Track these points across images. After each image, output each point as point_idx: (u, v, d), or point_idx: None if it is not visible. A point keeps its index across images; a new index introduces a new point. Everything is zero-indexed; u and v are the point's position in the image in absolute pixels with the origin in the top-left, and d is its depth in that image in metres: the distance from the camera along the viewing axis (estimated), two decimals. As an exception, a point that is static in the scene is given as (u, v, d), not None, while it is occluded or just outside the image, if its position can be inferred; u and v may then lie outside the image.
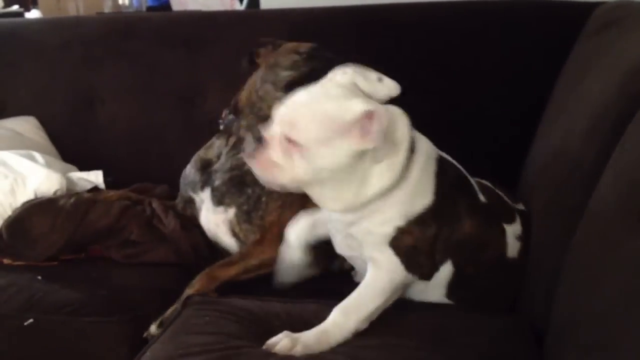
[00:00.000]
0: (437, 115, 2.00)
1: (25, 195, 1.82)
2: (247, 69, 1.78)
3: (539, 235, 1.37)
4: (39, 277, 1.63)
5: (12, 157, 1.92)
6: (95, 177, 1.95)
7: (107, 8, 3.99)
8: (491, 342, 1.19)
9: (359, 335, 1.22)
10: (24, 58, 2.33)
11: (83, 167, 2.13)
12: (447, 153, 1.42)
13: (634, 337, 0.82)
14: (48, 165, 1.94)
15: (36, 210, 1.73)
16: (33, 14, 3.72)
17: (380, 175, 1.25)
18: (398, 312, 1.30)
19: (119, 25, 2.33)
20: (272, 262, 1.57)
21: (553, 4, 2.03)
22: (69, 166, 2.10)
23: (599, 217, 1.08)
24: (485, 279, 1.40)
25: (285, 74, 1.65)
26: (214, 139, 1.83)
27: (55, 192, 1.83)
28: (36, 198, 1.81)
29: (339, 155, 1.20)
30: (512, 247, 1.42)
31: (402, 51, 2.00)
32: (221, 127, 1.80)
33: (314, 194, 1.30)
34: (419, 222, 1.29)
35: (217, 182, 1.74)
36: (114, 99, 2.26)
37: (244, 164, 1.64)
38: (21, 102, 2.32)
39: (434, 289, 1.38)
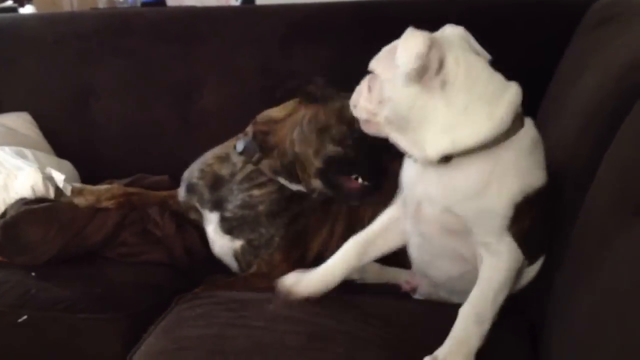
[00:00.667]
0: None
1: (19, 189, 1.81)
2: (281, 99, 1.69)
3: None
4: (33, 274, 1.63)
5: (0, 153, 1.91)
6: (58, 178, 1.85)
7: (102, 3, 3.98)
8: (489, 340, 1.18)
9: (352, 334, 1.22)
10: (19, 54, 2.33)
11: (78, 163, 2.13)
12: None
13: (629, 332, 0.82)
14: (38, 161, 1.93)
15: (30, 218, 1.70)
16: (27, 10, 3.70)
17: (473, 123, 1.11)
18: (392, 311, 1.30)
19: (114, 21, 2.32)
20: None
21: (549, 0, 2.03)
22: (63, 162, 2.09)
23: (595, 212, 1.08)
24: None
25: (331, 149, 1.55)
26: (230, 153, 1.72)
27: (32, 188, 1.80)
28: (32, 201, 1.78)
29: (404, 84, 1.12)
30: None
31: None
32: (238, 149, 1.69)
33: (407, 138, 1.17)
34: (537, 200, 1.17)
35: (227, 214, 1.69)
36: (109, 95, 2.26)
37: (257, 203, 1.65)
38: (16, 98, 2.32)
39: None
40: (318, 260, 1.42)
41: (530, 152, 1.18)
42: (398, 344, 1.18)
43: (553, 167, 1.23)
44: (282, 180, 1.65)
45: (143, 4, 3.87)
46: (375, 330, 1.21)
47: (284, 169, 1.63)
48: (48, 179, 1.84)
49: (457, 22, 2.00)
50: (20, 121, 2.24)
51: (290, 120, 1.64)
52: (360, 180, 1.55)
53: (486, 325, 1.14)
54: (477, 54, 1.21)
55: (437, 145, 1.13)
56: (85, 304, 1.49)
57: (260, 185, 1.66)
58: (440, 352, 1.10)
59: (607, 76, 1.24)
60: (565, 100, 1.45)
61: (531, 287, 1.30)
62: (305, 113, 1.61)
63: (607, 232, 0.99)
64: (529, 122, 1.21)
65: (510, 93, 1.18)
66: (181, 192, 1.81)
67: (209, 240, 1.75)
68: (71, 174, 2.05)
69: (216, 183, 1.71)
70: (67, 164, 2.09)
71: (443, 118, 1.12)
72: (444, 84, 1.12)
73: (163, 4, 3.64)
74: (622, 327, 0.84)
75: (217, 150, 1.77)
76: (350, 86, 1.98)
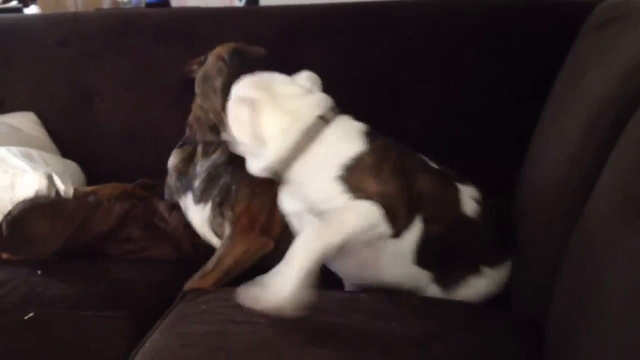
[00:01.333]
0: (436, 110, 2.01)
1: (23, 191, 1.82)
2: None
3: (537, 232, 1.37)
4: (39, 272, 1.64)
5: (7, 154, 1.91)
6: (60, 186, 1.86)
7: (106, 4, 3.99)
8: (490, 339, 1.19)
9: (354, 330, 1.22)
10: (23, 54, 2.33)
11: (81, 163, 2.14)
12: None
13: (633, 336, 0.82)
14: (45, 162, 1.94)
15: (36, 211, 1.73)
16: (32, 10, 3.71)
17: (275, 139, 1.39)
18: (395, 307, 1.30)
19: (118, 21, 2.32)
20: (247, 256, 1.59)
21: (553, 1, 2.03)
22: (69, 162, 2.10)
23: (599, 214, 1.08)
24: (449, 239, 1.41)
25: (217, 82, 1.70)
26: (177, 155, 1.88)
27: (36, 192, 1.81)
28: (37, 197, 1.80)
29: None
30: (470, 207, 1.45)
31: (403, 50, 2.00)
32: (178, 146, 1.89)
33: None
34: (364, 164, 1.36)
35: (196, 184, 1.75)
36: (113, 95, 2.26)
37: (220, 163, 1.71)
38: (19, 98, 2.33)
39: (403, 255, 1.39)
40: (285, 238, 1.50)
41: (336, 139, 1.40)
42: (403, 340, 1.18)
43: (556, 168, 1.24)
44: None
45: (147, 5, 3.88)
46: (380, 327, 1.21)
47: (212, 132, 1.74)
48: (52, 184, 1.85)
49: (461, 24, 2.03)
50: (25, 121, 2.24)
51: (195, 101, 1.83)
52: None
53: (310, 255, 1.22)
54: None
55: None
56: (90, 301, 1.50)
57: (216, 150, 1.76)
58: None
59: (612, 78, 1.24)
60: (569, 102, 1.45)
61: (534, 288, 1.30)
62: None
63: (611, 235, 0.99)
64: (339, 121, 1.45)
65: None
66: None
67: (195, 228, 1.77)
68: (77, 175, 2.06)
69: (181, 170, 1.83)
70: (72, 165, 2.09)
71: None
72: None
73: (167, 4, 3.64)
74: (625, 331, 0.84)
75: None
76: (355, 86, 2.00)
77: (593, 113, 1.24)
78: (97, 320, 1.47)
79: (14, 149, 1.95)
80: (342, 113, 1.48)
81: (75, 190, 1.88)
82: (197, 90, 1.79)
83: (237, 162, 1.61)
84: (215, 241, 1.73)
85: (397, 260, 1.40)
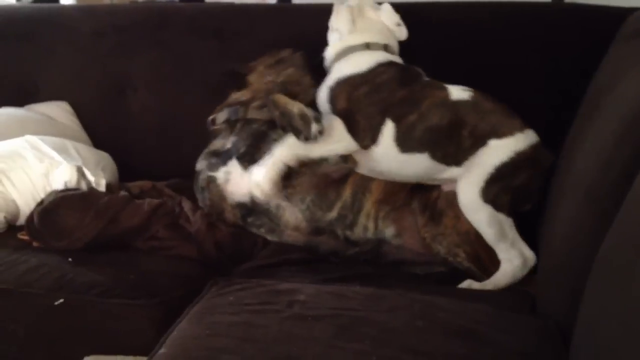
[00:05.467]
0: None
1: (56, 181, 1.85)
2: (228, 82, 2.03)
3: (566, 237, 1.37)
4: (70, 259, 1.66)
5: (41, 144, 1.95)
6: (90, 178, 1.91)
7: (140, -3, 4.01)
8: (520, 341, 1.19)
9: (379, 326, 1.23)
10: (58, 43, 2.37)
11: (113, 154, 2.16)
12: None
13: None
14: (79, 153, 1.97)
15: (67, 204, 1.75)
16: (68, 0, 3.75)
17: None
18: (427, 308, 1.31)
19: (153, 14, 2.35)
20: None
21: (586, 8, 2.03)
22: (101, 153, 2.12)
23: (630, 221, 1.08)
24: (427, 121, 1.67)
25: (299, 59, 1.99)
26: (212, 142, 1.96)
27: (65, 184, 1.85)
28: (68, 189, 1.83)
29: None
30: (459, 94, 1.71)
31: (432, 50, 2.00)
32: (220, 120, 1.96)
33: None
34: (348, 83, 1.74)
35: (242, 149, 1.84)
36: (146, 87, 2.30)
37: (263, 130, 1.85)
38: (54, 87, 2.36)
39: (388, 147, 1.68)
40: None
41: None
42: (429, 337, 1.19)
43: (588, 173, 1.23)
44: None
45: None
46: (406, 323, 1.22)
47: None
48: (82, 176, 1.88)
49: (491, 29, 2.03)
50: (59, 110, 2.28)
51: (248, 83, 1.99)
52: None
53: (283, 158, 1.72)
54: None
55: None
56: (119, 289, 1.53)
57: (258, 121, 1.89)
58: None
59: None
60: (602, 108, 1.45)
61: (563, 293, 1.30)
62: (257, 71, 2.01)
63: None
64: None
65: None
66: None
67: (235, 190, 1.84)
68: (109, 166, 2.08)
69: (215, 152, 1.91)
70: (105, 156, 2.11)
71: None
72: None
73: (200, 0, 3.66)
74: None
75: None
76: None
77: (628, 118, 1.24)
78: (126, 307, 1.50)
79: (48, 139, 1.98)
80: (388, 51, 1.84)
81: (108, 184, 1.90)
82: (262, 73, 1.97)
83: (278, 132, 1.79)
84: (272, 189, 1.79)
85: (387, 158, 1.70)
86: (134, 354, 1.46)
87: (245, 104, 1.93)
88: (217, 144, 1.92)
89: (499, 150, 1.62)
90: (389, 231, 1.77)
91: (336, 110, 1.74)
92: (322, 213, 1.77)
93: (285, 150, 1.72)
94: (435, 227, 1.70)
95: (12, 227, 1.87)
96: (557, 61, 1.97)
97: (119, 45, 2.31)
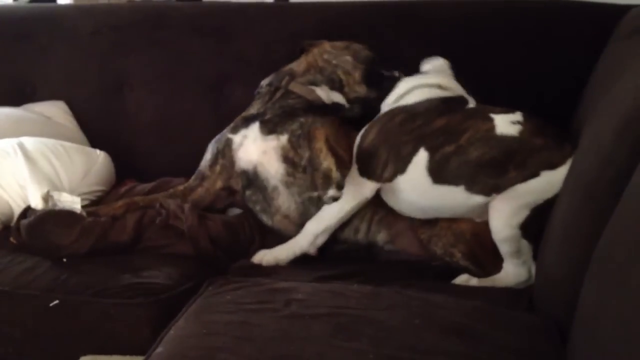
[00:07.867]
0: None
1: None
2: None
3: (566, 233, 1.37)
4: (64, 260, 1.66)
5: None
6: (72, 202, 1.83)
7: (138, -4, 4.00)
8: (517, 338, 1.19)
9: (377, 324, 1.23)
10: (56, 43, 2.36)
11: (110, 153, 2.15)
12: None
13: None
14: (69, 158, 1.96)
15: (54, 219, 1.72)
16: (65, 0, 3.75)
17: None
18: (425, 306, 1.30)
19: (150, 13, 2.35)
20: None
21: (584, 5, 2.02)
22: (98, 152, 2.10)
23: (629, 218, 1.07)
24: (466, 155, 1.59)
25: (364, 54, 1.93)
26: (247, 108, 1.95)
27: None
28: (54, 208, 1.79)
29: None
30: (506, 127, 1.59)
31: (433, 48, 1.99)
32: (264, 84, 1.96)
33: None
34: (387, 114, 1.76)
35: (267, 116, 1.85)
36: (143, 86, 2.29)
37: (297, 107, 1.85)
38: (51, 87, 2.35)
39: (419, 177, 1.62)
40: None
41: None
42: (428, 334, 1.19)
43: (587, 170, 1.22)
44: (320, 91, 1.89)
45: (178, -2, 3.88)
46: (404, 321, 1.21)
47: (325, 78, 1.91)
48: (52, 199, 1.82)
49: (491, 25, 2.02)
50: (55, 110, 2.27)
51: (304, 58, 1.98)
52: (397, 74, 1.88)
53: (309, 237, 1.72)
54: None
55: None
56: (114, 289, 1.52)
57: (296, 97, 1.89)
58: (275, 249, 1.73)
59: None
60: (602, 105, 1.44)
61: (561, 289, 1.29)
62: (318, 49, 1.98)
63: (640, 237, 0.99)
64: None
65: None
66: (207, 156, 1.93)
67: (243, 155, 1.84)
68: (106, 166, 2.07)
69: (247, 118, 1.90)
70: (102, 155, 2.09)
71: None
72: None
73: (198, -1, 3.65)
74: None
75: None
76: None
77: (627, 114, 1.23)
78: (122, 307, 1.49)
79: (41, 141, 1.96)
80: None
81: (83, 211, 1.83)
82: (322, 51, 1.96)
83: (312, 112, 1.82)
84: (274, 167, 1.79)
85: (416, 189, 1.63)
86: (131, 353, 1.45)
87: (292, 75, 1.93)
88: (252, 109, 1.93)
89: (553, 184, 1.54)
90: (381, 237, 1.78)
91: (361, 148, 1.71)
92: (315, 210, 1.76)
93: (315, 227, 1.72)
94: (430, 229, 1.70)
95: (7, 227, 1.86)
96: (555, 58, 1.96)
97: (116, 44, 2.31)
